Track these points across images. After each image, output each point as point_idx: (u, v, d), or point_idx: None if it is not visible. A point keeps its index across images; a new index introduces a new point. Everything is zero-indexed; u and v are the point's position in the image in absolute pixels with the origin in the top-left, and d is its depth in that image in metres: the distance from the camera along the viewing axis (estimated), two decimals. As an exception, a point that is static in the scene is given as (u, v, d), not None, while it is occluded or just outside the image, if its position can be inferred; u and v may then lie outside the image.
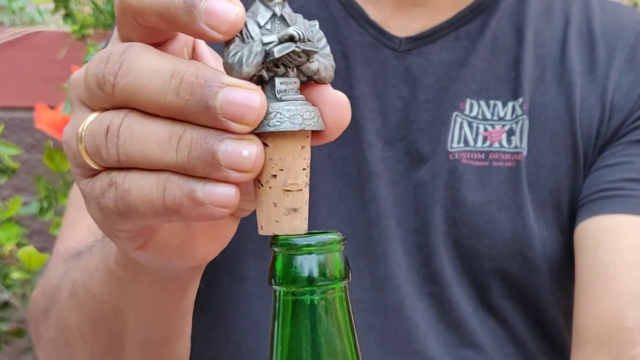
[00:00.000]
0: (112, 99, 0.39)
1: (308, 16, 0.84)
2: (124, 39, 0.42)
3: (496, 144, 0.81)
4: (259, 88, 0.38)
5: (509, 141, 0.82)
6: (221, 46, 0.40)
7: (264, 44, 0.38)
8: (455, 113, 0.82)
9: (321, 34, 0.41)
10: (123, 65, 0.38)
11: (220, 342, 0.83)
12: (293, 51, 0.38)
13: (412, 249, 0.81)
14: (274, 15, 0.39)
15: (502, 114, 0.82)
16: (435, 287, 0.82)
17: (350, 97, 0.82)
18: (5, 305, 1.77)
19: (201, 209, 0.38)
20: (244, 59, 0.38)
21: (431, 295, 0.81)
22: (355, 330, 0.41)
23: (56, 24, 2.22)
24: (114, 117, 0.39)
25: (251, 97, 0.37)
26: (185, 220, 0.40)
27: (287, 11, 0.40)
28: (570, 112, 0.82)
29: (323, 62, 0.40)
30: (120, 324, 0.59)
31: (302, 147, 0.39)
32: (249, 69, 0.38)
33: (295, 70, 0.39)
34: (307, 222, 0.40)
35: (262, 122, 0.38)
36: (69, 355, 0.65)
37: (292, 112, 0.38)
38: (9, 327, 1.78)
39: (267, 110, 0.38)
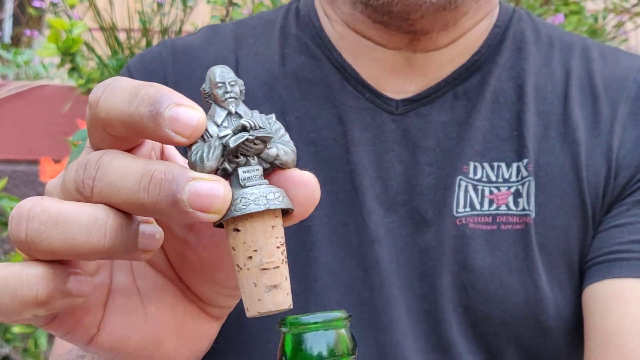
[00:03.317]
0: (92, 200, 0.42)
1: (303, 79, 0.85)
2: (96, 148, 0.45)
3: (503, 207, 0.80)
4: (222, 179, 0.40)
5: (515, 203, 0.80)
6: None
7: (220, 138, 0.41)
8: (459, 177, 0.80)
9: (278, 124, 0.44)
10: (99, 170, 0.42)
11: None
12: (247, 139, 0.41)
13: (419, 317, 0.79)
14: (229, 113, 0.42)
15: (506, 176, 0.80)
16: (444, 356, 0.79)
17: (347, 162, 0.82)
18: (6, 359, 1.75)
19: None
20: (205, 155, 0.41)
21: None
22: None
23: (60, 78, 2.24)
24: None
25: (215, 187, 0.40)
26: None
27: (242, 108, 0.43)
28: (576, 171, 0.80)
29: (282, 147, 0.43)
30: None
31: (273, 226, 0.41)
32: (210, 163, 0.41)
33: (255, 158, 0.42)
34: (290, 297, 0.42)
35: (229, 209, 0.40)
36: None
37: (255, 195, 0.41)
38: (9, 383, 1.76)
39: (233, 197, 0.41)
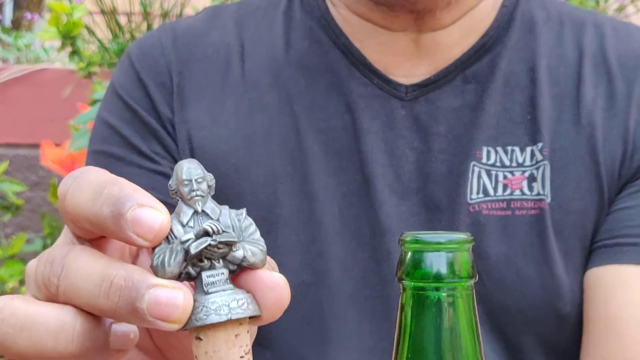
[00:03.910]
0: (57, 300, 0.41)
1: (308, 66, 0.83)
2: (72, 232, 0.44)
3: (517, 192, 0.78)
4: (184, 286, 0.39)
5: (530, 188, 0.78)
6: None
7: (182, 243, 0.40)
8: (472, 163, 0.79)
9: (249, 221, 0.42)
10: (64, 268, 0.41)
11: None
12: (209, 244, 0.40)
13: None
14: (195, 212, 0.41)
15: (520, 160, 0.79)
16: None
17: (358, 152, 0.80)
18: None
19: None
20: (166, 259, 0.40)
21: None
22: (479, 330, 0.42)
23: (61, 61, 2.24)
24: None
25: (175, 296, 0.38)
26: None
27: (210, 206, 0.42)
28: (593, 154, 0.79)
29: (250, 248, 0.41)
30: None
31: (236, 335, 0.40)
32: (171, 269, 0.40)
33: (221, 261, 0.41)
34: None
35: (190, 318, 0.39)
36: None
37: (217, 304, 0.39)
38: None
39: (195, 305, 0.39)
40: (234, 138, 0.80)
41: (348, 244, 0.79)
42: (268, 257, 0.43)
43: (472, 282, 0.42)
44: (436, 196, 0.79)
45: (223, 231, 0.40)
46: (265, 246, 0.42)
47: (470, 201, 0.78)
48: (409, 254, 0.42)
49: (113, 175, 0.41)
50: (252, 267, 0.41)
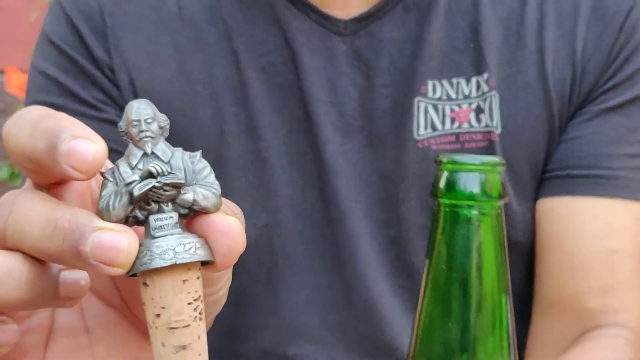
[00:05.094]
0: (6, 245, 0.40)
1: (246, 1, 0.77)
2: (30, 179, 0.43)
3: (465, 124, 0.77)
4: (129, 229, 0.38)
5: (477, 120, 0.77)
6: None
7: (127, 185, 0.39)
8: (417, 99, 0.77)
9: (203, 163, 0.41)
10: (11, 213, 0.39)
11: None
12: (154, 186, 0.38)
13: (383, 244, 0.78)
14: (144, 154, 0.40)
15: (466, 92, 0.77)
16: (410, 281, 0.78)
17: (299, 89, 0.78)
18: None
19: None
20: (111, 202, 0.39)
21: (406, 289, 0.79)
22: (506, 246, 0.45)
23: (26, -15, 2.19)
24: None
25: (119, 239, 0.37)
26: None
27: (161, 147, 0.40)
28: (542, 80, 0.77)
29: (201, 191, 0.40)
30: None
31: (184, 280, 0.39)
32: (116, 212, 0.38)
33: (170, 204, 0.39)
34: (203, 357, 0.40)
35: (135, 263, 0.38)
36: None
37: (162, 248, 0.38)
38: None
39: (140, 249, 0.38)
40: (176, 79, 0.78)
41: (296, 182, 0.78)
42: (230, 202, 0.42)
43: (502, 202, 0.45)
44: (381, 132, 0.77)
45: (169, 173, 0.39)
46: (219, 189, 0.40)
47: (418, 137, 0.77)
48: (444, 173, 0.45)
49: (52, 111, 0.40)
50: (204, 211, 0.40)
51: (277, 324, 0.79)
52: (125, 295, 0.47)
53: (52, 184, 0.42)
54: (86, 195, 0.44)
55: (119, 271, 0.37)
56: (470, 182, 0.44)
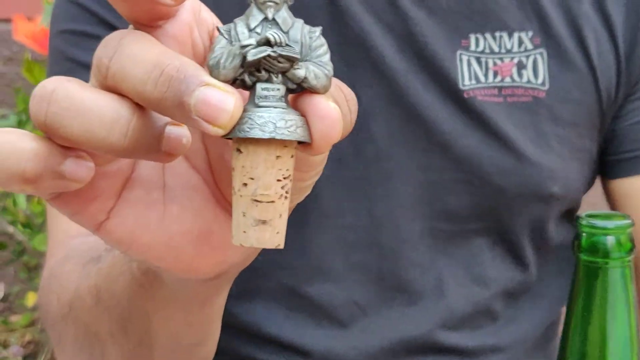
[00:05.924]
0: (106, 83, 0.39)
1: None
2: (131, 19, 0.42)
3: (508, 79, 0.79)
4: (236, 92, 0.37)
5: (520, 74, 0.79)
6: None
7: (242, 47, 0.38)
8: (459, 52, 0.79)
9: (321, 41, 0.40)
10: (117, 52, 0.39)
11: None
12: (269, 55, 0.38)
13: (422, 187, 0.79)
14: (265, 18, 0.39)
15: (509, 46, 0.79)
16: (447, 224, 0.80)
17: (339, 34, 0.77)
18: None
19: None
20: (222, 61, 0.38)
21: (440, 231, 0.80)
22: (635, 295, 0.57)
23: None
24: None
25: (226, 99, 0.37)
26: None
27: (282, 15, 0.39)
28: (582, 47, 0.80)
29: (313, 70, 0.39)
30: (147, 324, 0.58)
31: (278, 156, 0.38)
32: (225, 71, 0.38)
33: (280, 76, 0.39)
34: (280, 236, 0.39)
35: (235, 127, 0.37)
36: (100, 354, 0.63)
37: (264, 119, 0.38)
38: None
39: (242, 114, 0.37)
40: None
41: None
42: (344, 86, 0.42)
43: (632, 256, 0.56)
44: (423, 79, 0.78)
45: (287, 44, 0.38)
46: (331, 71, 0.39)
47: (463, 87, 0.78)
48: (584, 234, 0.56)
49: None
50: (312, 90, 0.39)
51: (301, 264, 0.80)
52: (213, 159, 0.47)
53: (150, 27, 0.41)
54: (187, 45, 0.43)
55: (218, 131, 0.37)
56: (605, 243, 0.56)
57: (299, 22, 0.39)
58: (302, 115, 0.39)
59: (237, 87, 0.38)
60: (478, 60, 0.79)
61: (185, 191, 0.46)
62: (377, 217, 0.79)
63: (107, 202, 0.44)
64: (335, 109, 0.38)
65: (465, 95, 0.78)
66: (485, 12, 0.79)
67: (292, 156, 0.39)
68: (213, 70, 0.38)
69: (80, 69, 0.78)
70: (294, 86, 0.39)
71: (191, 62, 0.37)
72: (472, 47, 0.79)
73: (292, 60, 0.38)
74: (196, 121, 0.37)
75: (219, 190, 0.47)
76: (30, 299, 1.84)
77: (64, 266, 0.69)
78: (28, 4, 1.76)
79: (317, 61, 0.39)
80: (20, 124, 1.74)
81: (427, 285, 0.81)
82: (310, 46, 0.40)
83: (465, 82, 0.78)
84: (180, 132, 0.41)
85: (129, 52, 0.38)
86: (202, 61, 0.42)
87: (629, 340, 0.56)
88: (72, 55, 0.79)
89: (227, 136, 0.38)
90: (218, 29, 0.39)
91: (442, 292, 0.81)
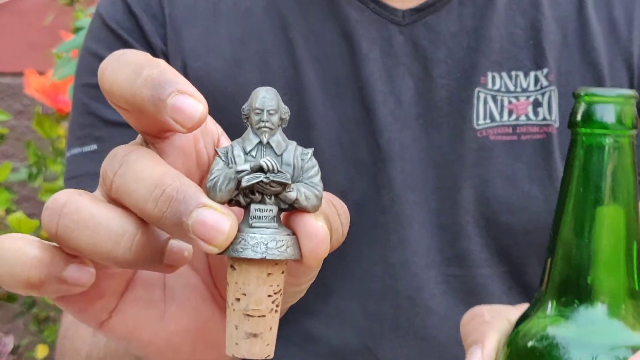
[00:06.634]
0: (110, 195, 0.41)
1: None
2: (140, 131, 0.44)
3: (523, 117, 0.79)
4: (232, 213, 0.39)
5: (535, 113, 0.79)
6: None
7: (237, 172, 0.40)
8: (477, 89, 0.79)
9: (313, 162, 0.42)
10: (122, 166, 0.40)
11: None
12: (262, 181, 0.40)
13: (435, 232, 0.79)
14: (260, 142, 0.41)
15: (525, 85, 0.80)
16: (461, 269, 0.80)
17: (356, 79, 0.80)
18: None
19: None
20: (219, 184, 0.40)
21: (455, 278, 0.80)
22: (636, 173, 0.49)
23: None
24: None
25: (222, 221, 0.38)
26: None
27: (277, 139, 0.41)
28: (598, 81, 0.80)
29: (304, 191, 0.41)
30: None
31: (269, 274, 0.40)
32: (221, 194, 0.40)
33: (272, 198, 0.41)
34: (270, 347, 0.41)
35: (229, 246, 0.40)
36: None
37: (256, 240, 0.40)
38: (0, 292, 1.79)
39: (237, 235, 0.40)
40: (229, 68, 0.80)
41: (347, 170, 0.79)
42: (335, 199, 0.43)
43: (634, 131, 0.49)
44: (438, 122, 0.79)
45: (279, 171, 0.40)
46: (321, 192, 0.41)
47: (477, 127, 0.79)
48: (582, 105, 0.49)
49: (152, 57, 0.41)
50: (302, 210, 0.41)
51: (319, 309, 0.80)
52: (212, 261, 0.48)
53: (158, 138, 0.43)
54: (191, 155, 0.45)
55: (214, 250, 0.39)
56: (605, 113, 0.49)
57: (292, 144, 0.42)
58: (293, 233, 0.41)
59: (232, 206, 0.40)
60: (494, 98, 0.79)
61: (184, 290, 0.47)
62: (393, 265, 0.79)
63: (110, 302, 0.45)
64: (322, 228, 0.40)
65: (479, 135, 0.79)
66: (501, 51, 0.80)
67: (282, 272, 0.41)
68: (210, 192, 0.40)
69: (100, 123, 0.80)
70: (286, 206, 0.41)
71: (191, 184, 0.39)
72: (489, 85, 0.80)
73: (284, 185, 0.40)
74: (193, 240, 0.38)
75: (217, 290, 0.48)
76: (40, 351, 1.83)
77: (77, 330, 0.71)
78: (39, 58, 1.79)
79: (308, 182, 0.41)
80: (30, 177, 1.76)
81: (445, 333, 0.80)
82: (302, 167, 0.42)
83: (480, 121, 0.79)
84: (182, 246, 0.43)
85: (133, 168, 0.40)
86: (206, 170, 0.45)
87: (629, 220, 0.49)
88: (93, 109, 0.81)
89: (221, 253, 0.40)
90: (216, 151, 0.41)
91: (459, 340, 0.81)
